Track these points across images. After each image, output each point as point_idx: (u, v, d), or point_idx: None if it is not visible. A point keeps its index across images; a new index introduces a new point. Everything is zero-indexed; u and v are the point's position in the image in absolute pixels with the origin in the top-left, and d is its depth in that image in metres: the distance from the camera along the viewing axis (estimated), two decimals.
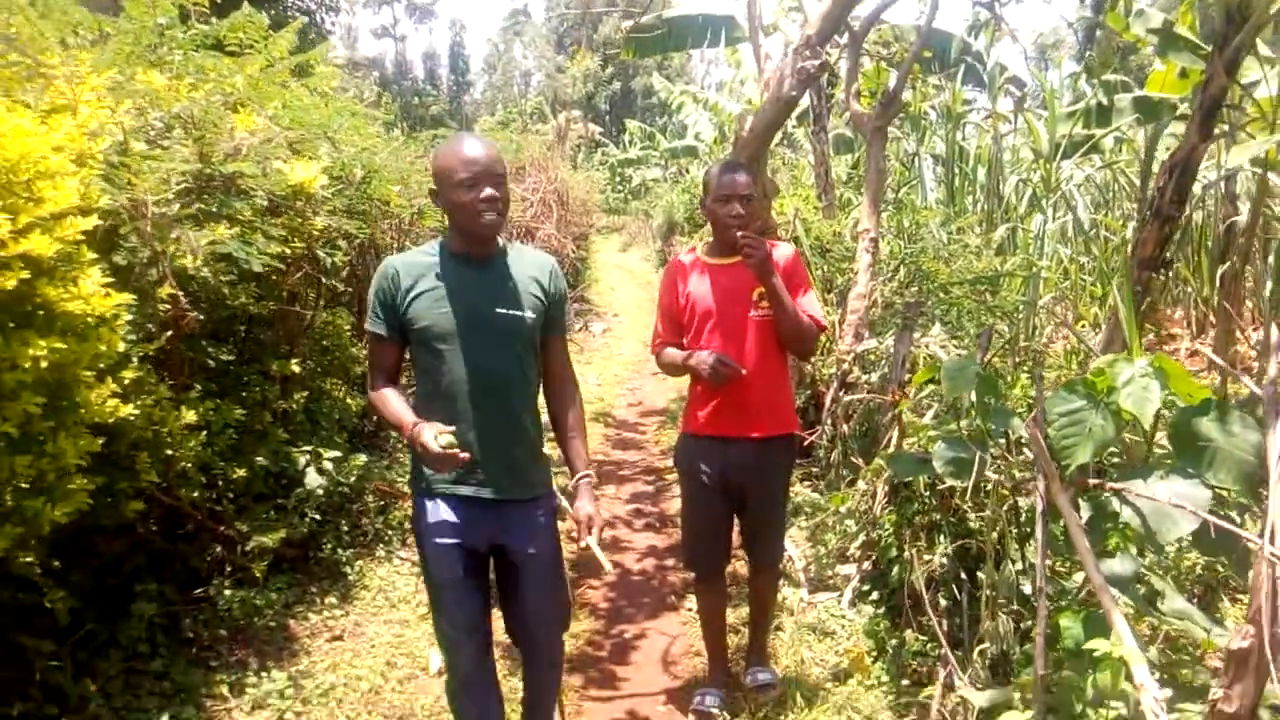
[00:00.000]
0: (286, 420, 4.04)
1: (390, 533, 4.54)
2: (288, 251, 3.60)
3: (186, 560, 3.44)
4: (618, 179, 31.58)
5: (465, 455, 2.19)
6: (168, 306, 2.94)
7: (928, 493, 3.61)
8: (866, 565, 4.12)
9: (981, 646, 2.90)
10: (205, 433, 3.26)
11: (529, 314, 2.39)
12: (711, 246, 3.13)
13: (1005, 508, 3.20)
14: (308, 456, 3.83)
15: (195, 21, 4.20)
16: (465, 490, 2.38)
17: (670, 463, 6.30)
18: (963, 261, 6.50)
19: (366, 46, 53.01)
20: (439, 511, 2.39)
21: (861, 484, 4.33)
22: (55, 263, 2.20)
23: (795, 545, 4.66)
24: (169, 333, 2.99)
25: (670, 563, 4.81)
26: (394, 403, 2.36)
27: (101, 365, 2.40)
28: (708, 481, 3.11)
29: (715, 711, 3.25)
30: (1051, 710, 2.54)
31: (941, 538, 3.47)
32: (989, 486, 2.96)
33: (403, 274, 2.35)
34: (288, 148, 3.93)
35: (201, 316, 3.17)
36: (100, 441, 2.44)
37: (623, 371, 9.57)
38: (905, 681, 3.35)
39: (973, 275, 6.09)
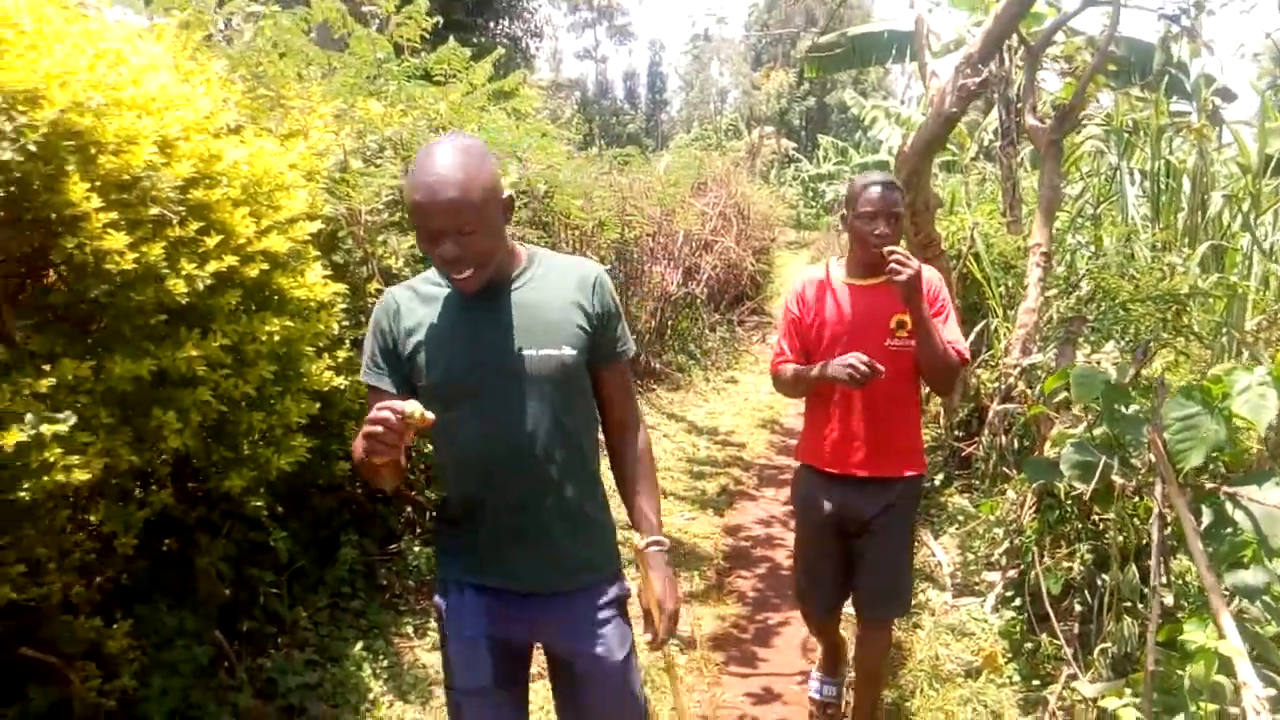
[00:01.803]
0: None
1: None
2: None
3: (385, 520, 3.98)
4: (810, 194, 31.50)
5: (412, 414, 1.61)
6: (375, 299, 3.46)
7: (1070, 501, 3.64)
8: (1012, 573, 4.16)
9: (1104, 646, 2.96)
10: None
11: (567, 351, 1.83)
12: (849, 264, 2.86)
13: (1151, 516, 3.22)
14: None
15: (408, 55, 4.82)
16: (493, 582, 1.89)
17: None
18: (1149, 278, 6.30)
19: (570, 69, 55.42)
20: (463, 604, 1.91)
21: (1011, 493, 4.36)
22: (287, 258, 2.71)
23: (945, 551, 4.74)
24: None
25: None
26: None
27: (320, 343, 2.91)
28: (822, 518, 2.88)
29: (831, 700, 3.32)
30: (1168, 710, 2.60)
31: (1081, 545, 3.51)
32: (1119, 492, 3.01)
33: (404, 310, 1.87)
34: None
35: None
36: (317, 406, 2.95)
37: None
38: (1036, 682, 3.42)
39: (1157, 294, 5.90)
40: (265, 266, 2.57)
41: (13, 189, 1.99)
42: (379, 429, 1.59)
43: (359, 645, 3.35)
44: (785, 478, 6.57)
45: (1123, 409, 2.85)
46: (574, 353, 1.84)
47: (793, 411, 8.60)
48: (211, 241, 2.36)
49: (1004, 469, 4.76)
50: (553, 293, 1.87)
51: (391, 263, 3.45)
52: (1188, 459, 2.49)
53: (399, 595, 3.80)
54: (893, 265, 2.50)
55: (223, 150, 2.48)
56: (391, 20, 4.80)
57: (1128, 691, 2.64)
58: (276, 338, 2.60)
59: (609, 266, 7.59)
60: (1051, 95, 5.43)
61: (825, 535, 2.89)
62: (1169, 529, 2.78)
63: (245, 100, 3.08)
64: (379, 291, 3.46)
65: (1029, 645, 3.59)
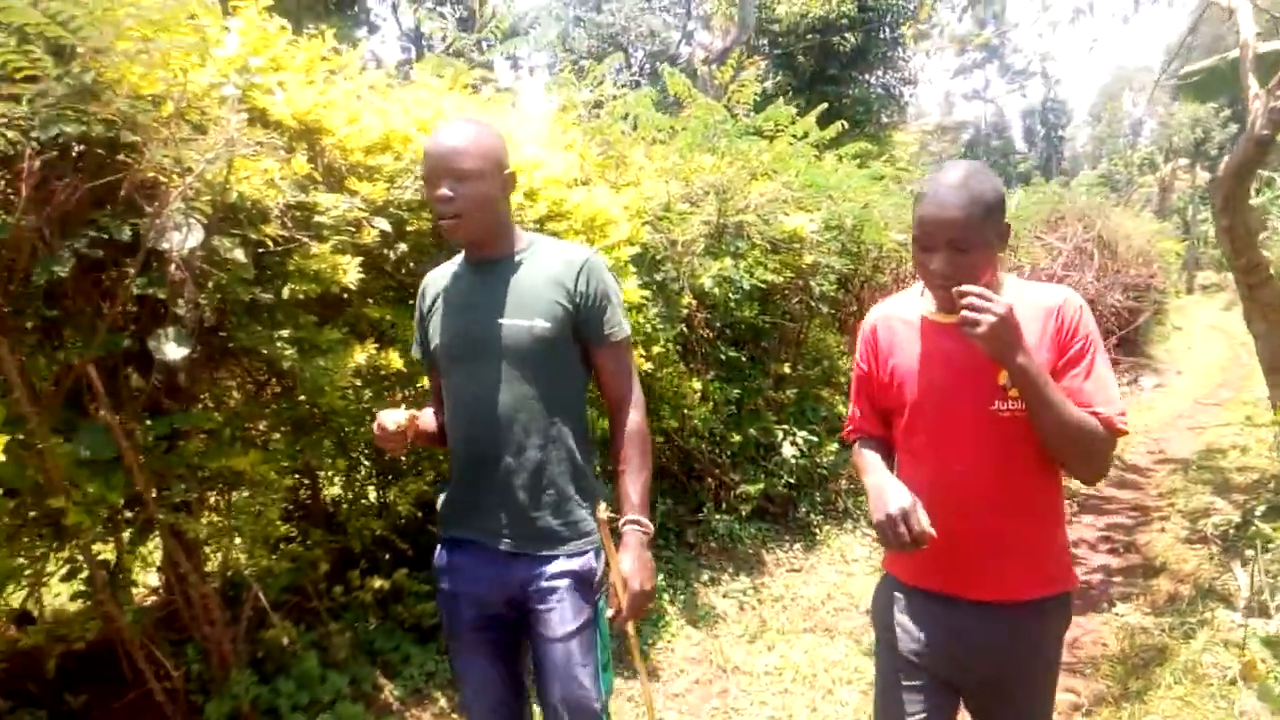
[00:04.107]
0: (779, 408, 5.34)
1: (858, 511, 5.58)
2: (780, 279, 4.91)
3: (696, 493, 4.89)
4: None
5: (406, 425, 1.96)
6: (686, 310, 4.40)
7: None
8: None
9: None
10: (711, 405, 4.68)
11: (539, 323, 1.92)
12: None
13: None
14: (784, 432, 5.08)
15: (740, 116, 5.79)
16: (467, 534, 2.04)
17: (1162, 500, 6.35)
18: None
19: (962, 111, 54.32)
20: (445, 558, 2.08)
21: None
22: (613, 270, 3.72)
23: (1247, 575, 4.64)
24: (682, 325, 4.46)
25: (1118, 579, 5.09)
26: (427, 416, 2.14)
27: (638, 336, 3.89)
28: (916, 657, 1.93)
29: None
30: None
31: None
32: None
33: (429, 288, 2.11)
34: (793, 203, 5.27)
35: (709, 317, 4.59)
36: None
37: (1155, 425, 9.28)
38: None
39: None
40: None
41: None
42: (377, 433, 1.98)
43: (662, 579, 4.26)
44: (1110, 508, 6.56)
45: None
46: (547, 325, 1.93)
47: (1142, 450, 8.31)
48: None
49: None
50: (538, 271, 1.98)
51: (702, 281, 4.37)
52: None
53: (701, 553, 4.68)
54: (964, 314, 1.65)
55: (568, 196, 3.55)
56: (728, 89, 5.81)
57: None
58: None
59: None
60: None
61: (916, 677, 1.94)
62: None
63: (596, 161, 4.18)
64: (688, 304, 4.41)
65: None
